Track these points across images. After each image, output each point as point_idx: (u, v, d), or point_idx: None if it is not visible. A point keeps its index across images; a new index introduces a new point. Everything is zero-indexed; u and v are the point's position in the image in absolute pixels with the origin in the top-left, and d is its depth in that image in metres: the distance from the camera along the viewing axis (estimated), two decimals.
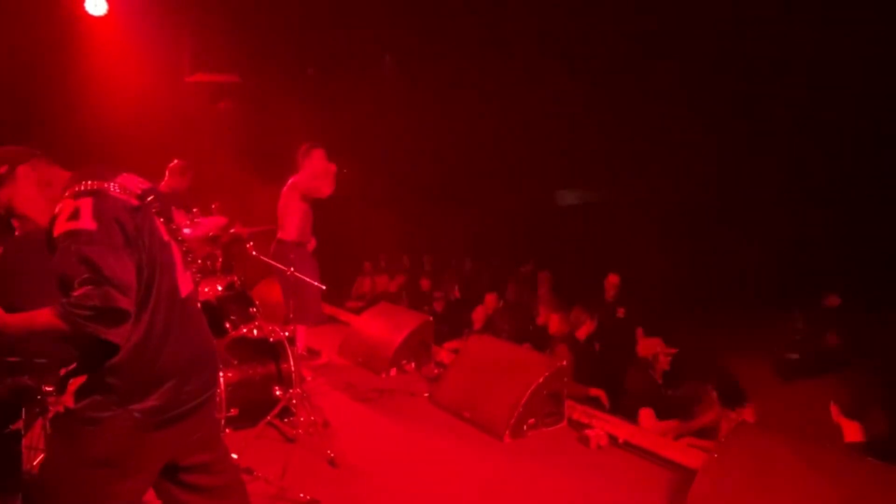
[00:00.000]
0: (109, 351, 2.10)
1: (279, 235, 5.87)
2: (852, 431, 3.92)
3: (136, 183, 2.29)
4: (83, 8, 7.66)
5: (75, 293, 1.96)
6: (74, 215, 2.05)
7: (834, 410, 3.96)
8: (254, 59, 9.94)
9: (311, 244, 6.08)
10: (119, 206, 2.14)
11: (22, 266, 3.41)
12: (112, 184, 2.18)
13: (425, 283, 10.67)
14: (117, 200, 2.15)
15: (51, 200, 2.19)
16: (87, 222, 2.04)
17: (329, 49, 10.38)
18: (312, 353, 6.42)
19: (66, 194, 2.14)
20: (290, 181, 5.88)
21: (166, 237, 2.32)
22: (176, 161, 6.45)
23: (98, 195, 2.12)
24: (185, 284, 2.36)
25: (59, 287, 2.02)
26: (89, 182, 2.15)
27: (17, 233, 2.30)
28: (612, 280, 8.17)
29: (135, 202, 2.21)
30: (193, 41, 9.03)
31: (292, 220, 5.82)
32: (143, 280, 2.14)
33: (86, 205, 2.07)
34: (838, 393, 3.97)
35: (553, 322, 7.30)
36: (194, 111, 9.39)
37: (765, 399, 5.41)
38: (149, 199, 2.26)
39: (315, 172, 5.73)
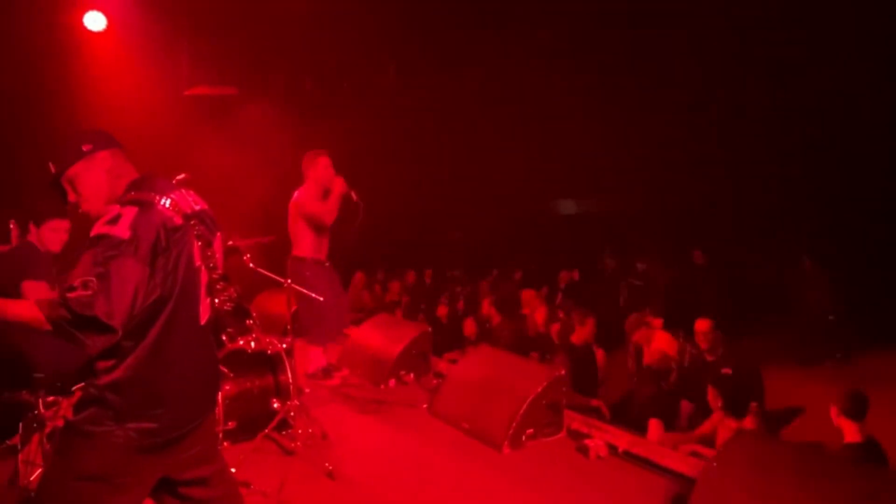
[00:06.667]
0: (111, 366, 2.11)
1: (293, 252, 5.40)
2: (851, 432, 3.89)
3: (190, 203, 2.32)
4: (82, 23, 7.72)
5: (71, 294, 1.98)
6: (114, 220, 2.10)
7: (833, 412, 3.93)
8: (252, 71, 10.00)
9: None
10: (160, 222, 2.16)
11: (20, 276, 3.43)
12: (164, 198, 2.21)
13: (425, 296, 10.67)
14: (161, 215, 2.17)
15: (114, 193, 2.26)
16: (122, 230, 2.07)
17: (327, 61, 10.44)
18: (327, 372, 5.90)
19: (119, 199, 2.20)
20: (294, 196, 5.39)
21: (198, 262, 2.31)
22: (184, 174, 6.41)
23: (144, 206, 2.16)
24: (204, 311, 2.37)
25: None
26: (143, 192, 2.20)
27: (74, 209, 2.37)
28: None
29: (178, 221, 2.22)
30: (191, 55, 9.07)
31: (304, 237, 5.35)
32: (156, 301, 2.14)
33: (129, 213, 2.12)
34: (837, 394, 3.93)
35: (553, 329, 7.30)
36: (193, 124, 9.41)
37: None
38: (192, 221, 2.28)
39: (319, 182, 5.27)
